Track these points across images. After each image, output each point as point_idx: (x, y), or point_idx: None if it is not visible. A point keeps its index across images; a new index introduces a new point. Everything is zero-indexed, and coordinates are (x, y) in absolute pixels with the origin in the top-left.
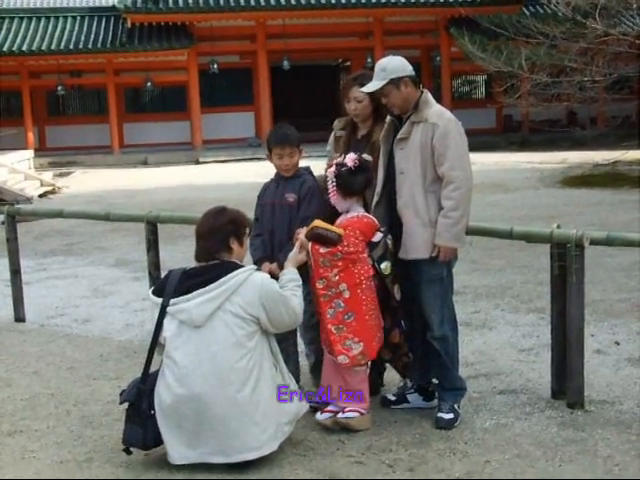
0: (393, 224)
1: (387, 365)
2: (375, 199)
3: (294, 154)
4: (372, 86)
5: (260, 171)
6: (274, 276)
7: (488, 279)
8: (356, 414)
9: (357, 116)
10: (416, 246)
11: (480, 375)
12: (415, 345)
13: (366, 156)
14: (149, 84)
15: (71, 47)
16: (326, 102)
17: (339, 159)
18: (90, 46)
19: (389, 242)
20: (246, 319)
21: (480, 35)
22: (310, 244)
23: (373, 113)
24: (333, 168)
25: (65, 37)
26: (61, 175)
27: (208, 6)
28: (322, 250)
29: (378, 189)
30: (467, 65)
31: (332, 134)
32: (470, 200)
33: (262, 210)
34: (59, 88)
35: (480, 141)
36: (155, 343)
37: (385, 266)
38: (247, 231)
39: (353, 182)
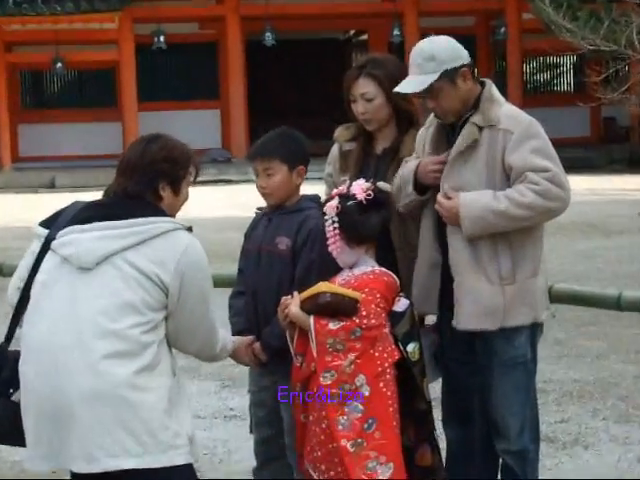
0: (449, 282)
1: None
2: (420, 254)
3: (273, 171)
4: (417, 83)
5: (231, 200)
6: (258, 360)
7: (581, 371)
8: None
9: (368, 122)
10: (481, 312)
11: None
12: (470, 467)
13: (383, 185)
14: (59, 65)
15: None
16: (330, 96)
17: (343, 188)
18: None
19: (415, 312)
20: (152, 281)
21: None
22: (312, 319)
23: (394, 116)
24: (334, 202)
25: None
26: None
27: None
28: (332, 326)
29: (423, 238)
30: (547, 40)
31: (334, 148)
32: (542, 232)
33: (245, 258)
34: None
35: (566, 157)
36: (28, 291)
37: (413, 349)
38: (190, 173)
39: (364, 223)
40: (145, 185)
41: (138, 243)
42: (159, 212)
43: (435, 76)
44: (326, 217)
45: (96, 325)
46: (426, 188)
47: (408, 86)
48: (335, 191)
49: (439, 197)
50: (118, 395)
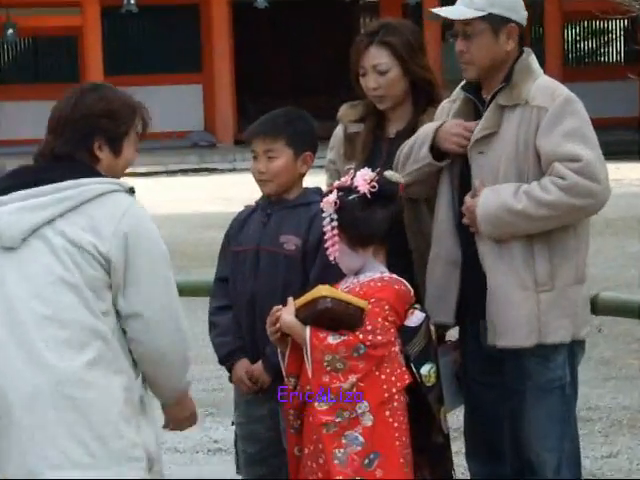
0: (473, 287)
1: None
2: (434, 249)
3: (276, 154)
4: (459, 12)
5: (215, 193)
6: (256, 383)
7: (632, 396)
8: None
9: (381, 99)
10: (512, 325)
11: None
12: None
13: (392, 174)
14: (10, 32)
15: None
16: (335, 69)
17: (346, 179)
18: None
19: (432, 327)
20: (89, 253)
21: None
22: (308, 330)
23: (410, 92)
24: (332, 196)
25: None
26: None
27: None
28: (331, 340)
29: (439, 230)
30: (592, 2)
31: (338, 130)
32: (588, 230)
33: (234, 263)
34: None
35: (612, 141)
36: None
37: (428, 372)
38: (135, 130)
39: (367, 221)
40: (76, 143)
41: (68, 210)
42: (94, 174)
43: (481, 14)
44: (324, 214)
45: (31, 312)
46: (444, 155)
47: (449, 12)
48: (336, 183)
49: (467, 197)
50: (62, 393)
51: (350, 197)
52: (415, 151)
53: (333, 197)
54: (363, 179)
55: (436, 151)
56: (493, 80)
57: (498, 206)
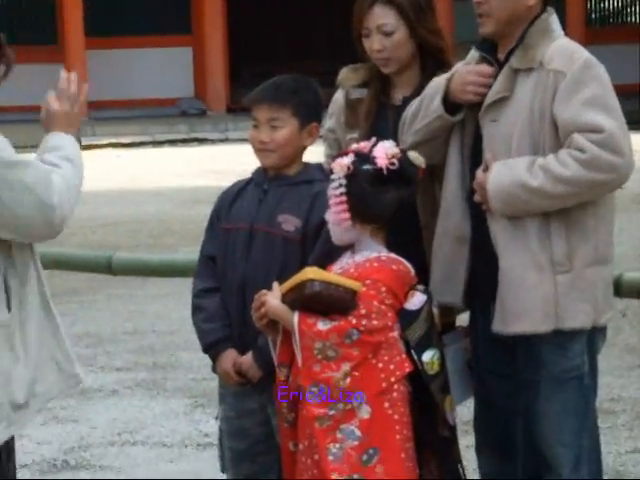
0: (483, 267)
1: None
2: (442, 224)
3: (281, 123)
4: None
5: (205, 165)
6: (244, 375)
7: None
8: None
9: (386, 62)
10: (525, 308)
11: None
12: None
13: (415, 156)
14: None
15: None
16: (335, 31)
17: (366, 145)
18: None
19: (435, 311)
20: None
21: None
22: (296, 316)
23: (419, 55)
24: (348, 159)
25: None
26: None
27: None
28: (321, 326)
29: (447, 203)
30: None
31: (338, 95)
32: (612, 207)
33: (224, 242)
34: None
35: (636, 110)
36: None
37: (431, 359)
38: None
39: (377, 198)
40: None
41: None
42: None
43: None
44: (333, 176)
45: None
46: (458, 108)
47: None
48: (354, 146)
49: (478, 171)
50: None
51: (365, 167)
52: (425, 106)
53: (348, 160)
54: (385, 152)
55: (450, 105)
56: (510, 38)
57: (511, 182)
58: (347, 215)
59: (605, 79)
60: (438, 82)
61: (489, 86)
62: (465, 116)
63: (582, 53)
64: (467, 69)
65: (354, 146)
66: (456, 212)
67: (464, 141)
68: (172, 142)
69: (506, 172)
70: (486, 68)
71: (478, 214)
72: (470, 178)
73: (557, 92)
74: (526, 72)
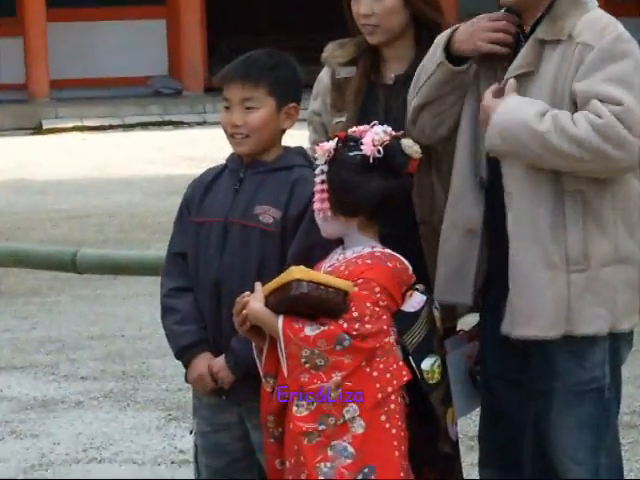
0: (497, 263)
1: None
2: (450, 215)
3: (256, 104)
4: None
5: (180, 150)
6: (217, 379)
7: None
8: None
9: (373, 30)
10: (534, 310)
11: None
12: None
13: (409, 144)
14: None
15: None
16: (322, 2)
17: (359, 130)
18: None
19: (436, 313)
20: None
21: None
22: (281, 321)
23: (413, 27)
24: (331, 143)
25: None
26: None
27: None
28: (309, 332)
29: (456, 189)
30: None
31: (323, 74)
32: (638, 206)
33: (196, 236)
34: None
35: None
36: None
37: (431, 367)
38: None
39: (357, 187)
40: None
41: None
42: None
43: None
44: (317, 162)
45: None
46: (464, 60)
47: None
48: (351, 130)
49: (487, 92)
50: None
51: (351, 154)
52: (427, 60)
53: (330, 145)
54: (372, 137)
55: (455, 58)
56: (536, 7)
57: (519, 121)
58: (327, 205)
59: (636, 56)
60: (443, 34)
61: (504, 35)
62: (481, 84)
63: (616, 26)
64: (483, 15)
65: (351, 130)
66: (467, 200)
67: (473, 124)
68: (144, 125)
69: (517, 105)
70: (498, 14)
71: (493, 202)
72: (485, 161)
73: (581, 66)
74: (553, 45)
